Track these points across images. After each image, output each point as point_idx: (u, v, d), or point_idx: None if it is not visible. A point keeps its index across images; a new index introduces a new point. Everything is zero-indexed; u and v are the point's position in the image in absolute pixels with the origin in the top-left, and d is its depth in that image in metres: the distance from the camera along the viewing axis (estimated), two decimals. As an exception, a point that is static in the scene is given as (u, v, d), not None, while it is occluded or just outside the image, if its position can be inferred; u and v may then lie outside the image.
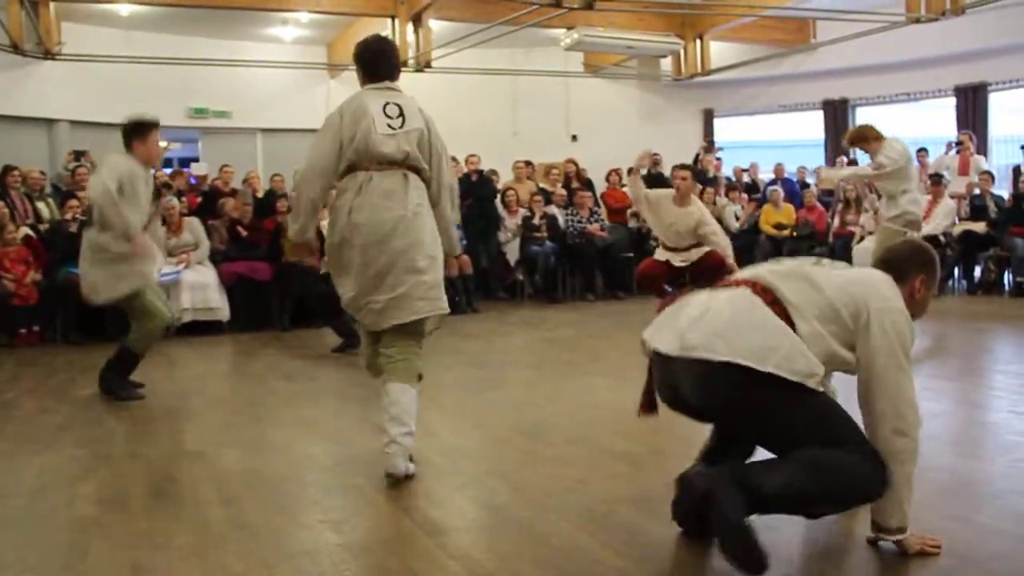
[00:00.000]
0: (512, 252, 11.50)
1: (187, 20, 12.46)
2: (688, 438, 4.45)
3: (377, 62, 4.19)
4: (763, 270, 2.92)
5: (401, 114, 4.06)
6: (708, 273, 7.94)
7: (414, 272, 3.84)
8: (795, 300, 2.76)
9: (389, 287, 3.82)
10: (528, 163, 12.85)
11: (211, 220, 9.83)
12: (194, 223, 9.46)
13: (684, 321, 2.83)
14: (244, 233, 9.77)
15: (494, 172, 12.48)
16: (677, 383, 2.86)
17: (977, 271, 10.53)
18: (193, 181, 11.81)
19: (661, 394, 3.03)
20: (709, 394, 2.77)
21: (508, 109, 15.74)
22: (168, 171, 12.13)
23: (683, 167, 8.61)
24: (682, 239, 8.43)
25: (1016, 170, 11.94)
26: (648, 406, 3.17)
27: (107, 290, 5.77)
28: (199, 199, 10.66)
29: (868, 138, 6.97)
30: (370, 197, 3.84)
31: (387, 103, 4.04)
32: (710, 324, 2.74)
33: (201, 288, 8.96)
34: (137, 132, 5.82)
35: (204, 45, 13.26)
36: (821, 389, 2.72)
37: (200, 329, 8.86)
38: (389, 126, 3.97)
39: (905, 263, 2.98)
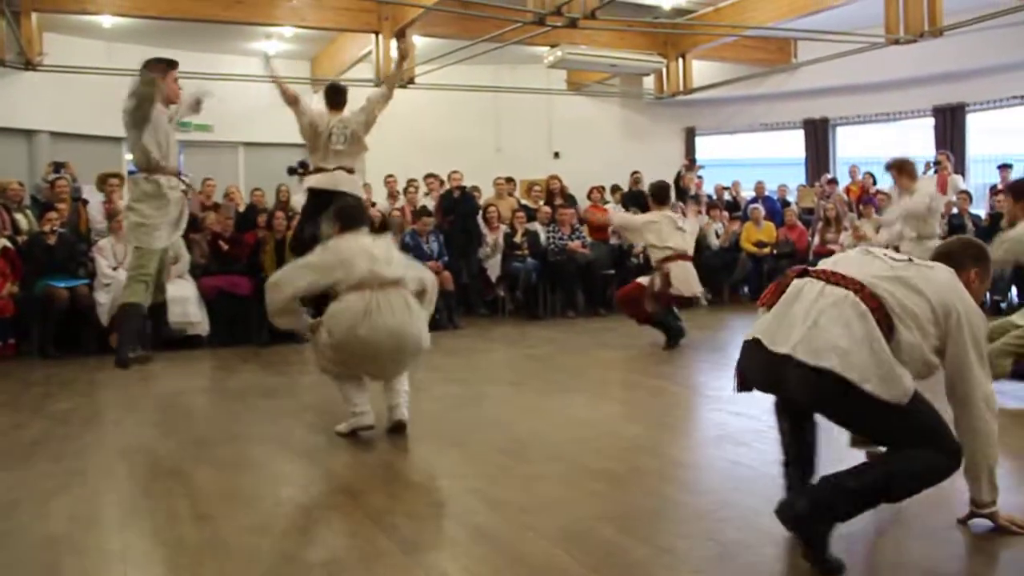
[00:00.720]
0: (493, 268, 11.49)
1: (170, 33, 12.41)
2: (668, 456, 4.47)
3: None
4: (869, 273, 3.05)
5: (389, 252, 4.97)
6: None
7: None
8: (899, 309, 2.96)
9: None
10: (509, 179, 12.88)
11: (192, 234, 9.77)
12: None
13: (797, 325, 3.00)
14: (225, 247, 9.74)
15: (476, 188, 12.50)
16: (783, 380, 3.05)
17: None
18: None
19: (757, 381, 3.27)
20: (817, 396, 2.99)
21: (491, 125, 15.77)
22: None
23: None
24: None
25: (993, 189, 12.06)
26: (743, 385, 3.42)
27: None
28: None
29: (908, 173, 7.04)
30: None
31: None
32: (822, 336, 2.92)
33: (181, 302, 8.89)
34: (156, 69, 5.93)
35: (187, 58, 13.08)
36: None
37: (179, 344, 8.81)
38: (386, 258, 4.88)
39: (962, 257, 3.23)
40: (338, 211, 5.13)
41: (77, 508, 3.79)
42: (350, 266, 4.76)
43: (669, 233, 8.36)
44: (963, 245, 3.34)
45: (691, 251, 8.59)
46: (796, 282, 3.16)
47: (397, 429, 4.95)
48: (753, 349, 3.17)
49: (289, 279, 4.93)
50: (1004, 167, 12.52)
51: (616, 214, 9.68)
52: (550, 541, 3.20)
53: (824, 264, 3.22)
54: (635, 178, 13.51)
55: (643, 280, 8.48)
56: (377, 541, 3.28)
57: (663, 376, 6.95)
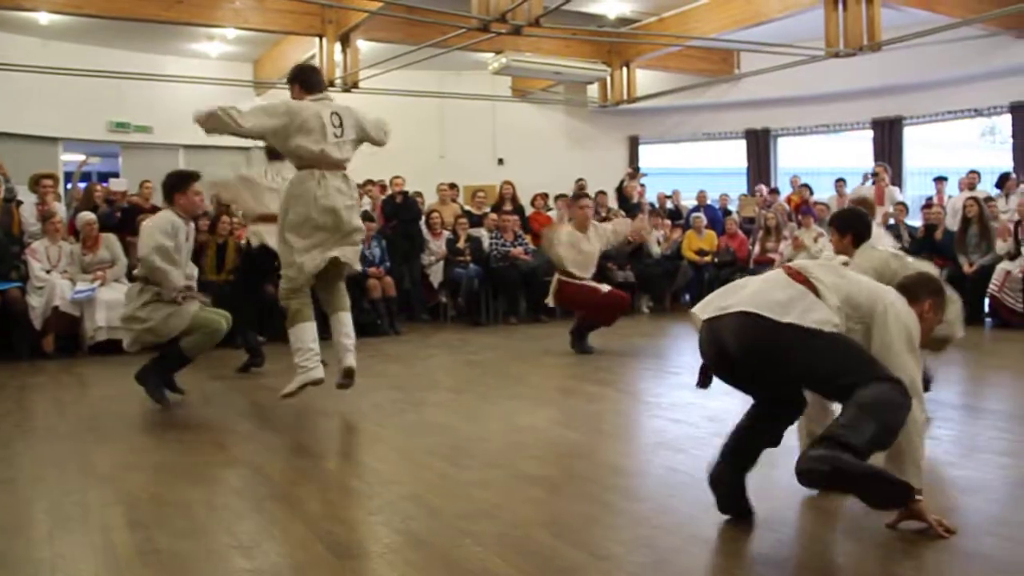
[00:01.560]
0: (436, 274, 11.48)
1: (110, 32, 12.24)
2: (606, 463, 4.49)
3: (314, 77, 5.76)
4: (802, 262, 3.43)
5: (341, 124, 5.58)
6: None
7: (356, 243, 5.77)
8: (823, 285, 3.22)
9: (345, 244, 5.61)
10: (453, 185, 12.87)
11: (129, 237, 9.62)
12: (111, 239, 9.27)
13: (723, 293, 3.45)
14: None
15: (419, 194, 12.48)
16: (722, 340, 3.30)
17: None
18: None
19: (709, 358, 3.48)
20: (746, 338, 3.21)
21: (435, 131, 15.78)
22: (83, 184, 11.85)
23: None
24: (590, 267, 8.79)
25: (927, 201, 12.31)
26: (703, 381, 3.66)
27: (169, 329, 6.03)
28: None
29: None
30: (329, 190, 5.46)
31: (332, 112, 5.53)
32: (745, 290, 3.33)
33: (117, 306, 8.69)
34: (179, 185, 5.97)
35: (127, 58, 13.04)
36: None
37: (115, 348, 8.63)
38: (335, 135, 5.48)
39: (917, 287, 3.45)
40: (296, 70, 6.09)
41: (4, 518, 3.71)
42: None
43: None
44: (921, 279, 3.55)
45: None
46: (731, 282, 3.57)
47: (348, 375, 5.50)
48: (702, 330, 3.46)
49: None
50: (939, 179, 12.80)
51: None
52: (486, 548, 3.20)
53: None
54: (579, 185, 13.57)
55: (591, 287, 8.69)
56: (312, 547, 3.25)
57: (603, 383, 6.99)
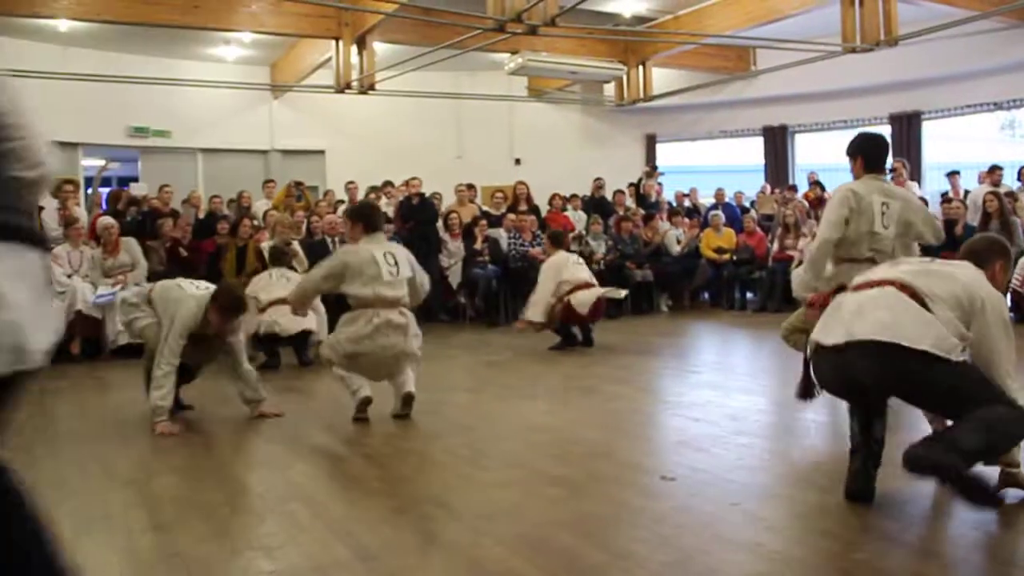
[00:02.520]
0: (454, 275, 11.48)
1: (128, 37, 12.30)
2: (626, 462, 4.48)
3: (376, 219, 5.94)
4: (899, 271, 3.51)
5: (396, 262, 5.60)
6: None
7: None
8: (929, 292, 3.36)
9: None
10: (471, 186, 12.87)
11: (149, 241, 9.69)
12: (131, 243, 9.32)
13: (847, 317, 3.44)
14: (185, 254, 9.65)
15: (436, 195, 12.48)
16: (850, 367, 3.42)
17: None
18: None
19: (827, 383, 3.66)
20: (882, 369, 3.34)
21: (452, 132, 15.79)
22: (105, 190, 11.93)
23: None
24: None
25: (944, 196, 12.22)
26: (805, 393, 4.09)
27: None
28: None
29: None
30: (381, 327, 5.50)
31: (385, 252, 5.62)
32: (868, 319, 3.36)
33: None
34: (223, 308, 5.56)
35: (145, 63, 13.11)
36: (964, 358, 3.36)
37: (137, 352, 8.67)
38: (389, 272, 5.52)
39: (987, 252, 3.65)
40: (362, 210, 6.26)
41: (29, 519, 3.73)
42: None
43: (569, 270, 8.86)
44: (988, 242, 3.79)
45: (591, 278, 9.13)
46: (836, 298, 3.68)
47: (407, 401, 5.60)
48: (818, 355, 3.58)
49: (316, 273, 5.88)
50: (952, 174, 12.73)
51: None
52: (507, 548, 3.20)
53: (858, 279, 3.67)
54: (597, 184, 13.57)
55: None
56: (333, 549, 3.26)
57: (622, 381, 6.97)
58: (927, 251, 10.38)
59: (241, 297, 5.76)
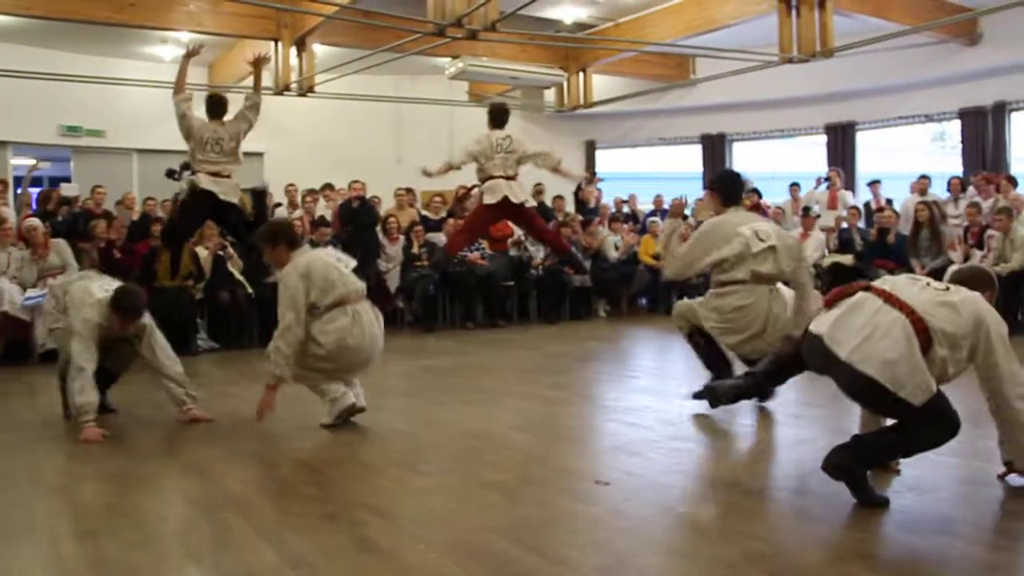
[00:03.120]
0: (392, 279, 11.43)
1: (60, 34, 12.05)
2: (561, 467, 4.49)
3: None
4: (921, 300, 3.62)
5: (339, 258, 5.67)
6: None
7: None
8: (940, 332, 3.53)
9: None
10: (410, 190, 12.82)
11: (80, 243, 9.50)
12: (60, 244, 9.12)
13: (855, 333, 3.59)
14: (118, 256, 9.47)
15: (376, 198, 12.42)
16: (835, 374, 3.66)
17: (844, 303, 10.92)
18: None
19: (812, 364, 3.83)
20: (859, 393, 3.66)
21: (392, 136, 15.74)
22: (36, 191, 11.67)
23: None
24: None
25: (866, 205, 12.49)
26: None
27: None
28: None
29: None
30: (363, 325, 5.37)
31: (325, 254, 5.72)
32: (874, 347, 3.51)
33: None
34: (121, 310, 5.44)
35: (78, 61, 12.85)
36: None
37: (66, 355, 8.52)
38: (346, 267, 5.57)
39: (976, 283, 3.83)
40: (279, 230, 5.66)
41: (-51, 527, 3.64)
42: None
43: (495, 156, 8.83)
44: (976, 272, 4.08)
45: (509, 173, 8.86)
46: (860, 295, 3.73)
47: (357, 412, 5.48)
48: (816, 341, 3.71)
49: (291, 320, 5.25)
50: (873, 183, 13.02)
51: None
52: (441, 554, 3.19)
53: (883, 285, 3.76)
54: (537, 190, 13.59)
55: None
56: (264, 556, 3.22)
57: (560, 387, 6.99)
58: (858, 257, 10.55)
59: (139, 300, 5.54)
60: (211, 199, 7.99)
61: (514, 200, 8.62)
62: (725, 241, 5.57)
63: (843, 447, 3.67)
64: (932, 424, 3.56)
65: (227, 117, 8.30)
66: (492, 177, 8.61)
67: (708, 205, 6.01)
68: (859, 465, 3.63)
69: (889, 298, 3.63)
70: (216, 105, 8.31)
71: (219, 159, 8.03)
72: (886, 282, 3.81)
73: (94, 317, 5.38)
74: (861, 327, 3.58)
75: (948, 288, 3.71)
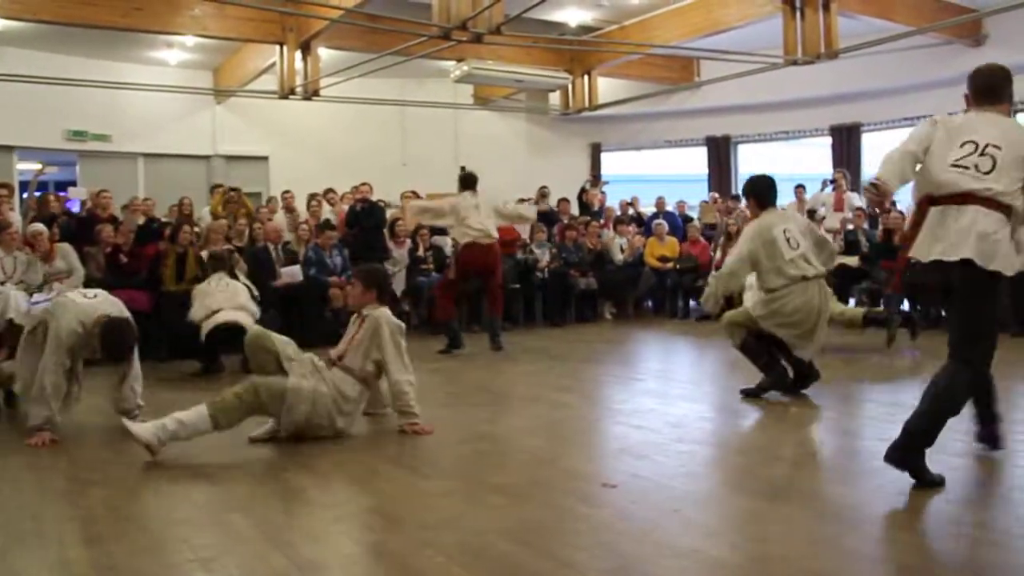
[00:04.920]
0: (398, 282, 11.42)
1: (66, 39, 12.08)
2: (568, 469, 4.49)
3: None
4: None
5: None
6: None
7: None
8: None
9: None
10: (415, 193, 12.82)
11: (87, 247, 9.50)
12: (67, 249, 9.10)
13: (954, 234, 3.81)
14: (125, 260, 9.48)
15: (382, 201, 12.42)
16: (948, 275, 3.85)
17: (851, 303, 10.88)
18: (72, 205, 11.51)
19: (924, 278, 4.05)
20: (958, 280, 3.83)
21: (397, 139, 15.76)
22: (40, 194, 11.68)
23: None
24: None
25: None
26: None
27: None
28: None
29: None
30: None
31: None
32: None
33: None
34: (105, 348, 5.42)
35: (84, 65, 12.90)
36: None
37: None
38: None
39: (1004, 85, 4.14)
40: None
41: (-43, 532, 3.64)
42: None
43: (472, 216, 8.95)
44: (999, 71, 4.14)
45: (494, 233, 9.12)
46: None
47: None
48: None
49: None
50: (827, 182, 13.08)
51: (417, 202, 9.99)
52: (448, 557, 3.19)
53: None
54: (541, 192, 13.60)
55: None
56: (272, 560, 3.22)
57: (566, 389, 6.99)
58: (864, 259, 10.59)
59: (124, 341, 5.44)
60: None
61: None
62: (765, 246, 6.00)
63: (897, 444, 3.83)
64: (974, 344, 3.91)
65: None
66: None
67: (749, 212, 6.46)
68: (914, 455, 3.80)
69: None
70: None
71: None
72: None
73: (70, 331, 5.32)
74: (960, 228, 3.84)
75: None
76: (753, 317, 6.14)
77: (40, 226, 9.16)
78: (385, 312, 5.36)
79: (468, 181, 9.25)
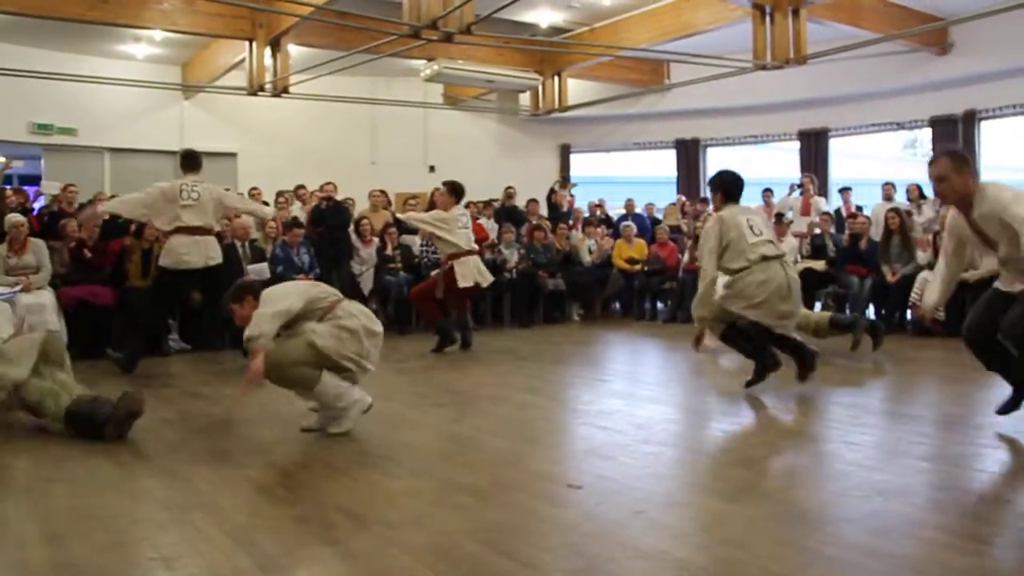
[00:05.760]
0: (366, 282, 11.39)
1: (31, 30, 11.94)
2: (534, 470, 4.49)
3: None
4: None
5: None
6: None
7: None
8: None
9: None
10: (383, 192, 12.79)
11: (52, 241, 9.39)
12: (39, 245, 8.93)
13: None
14: (89, 255, 9.38)
15: (350, 200, 12.38)
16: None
17: (817, 307, 10.97)
18: (40, 201, 11.38)
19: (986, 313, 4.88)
20: None
21: (366, 137, 15.73)
22: (8, 186, 11.53)
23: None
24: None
25: (838, 213, 12.59)
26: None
27: None
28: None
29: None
30: None
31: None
32: None
33: (38, 310, 8.44)
34: None
35: (50, 58, 12.75)
36: None
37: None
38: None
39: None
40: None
41: (-86, 529, 3.59)
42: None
43: (458, 230, 8.94)
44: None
45: (474, 246, 9.24)
46: None
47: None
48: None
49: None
50: (844, 190, 13.14)
51: (408, 213, 9.88)
52: (413, 557, 3.18)
53: None
54: (508, 193, 13.60)
55: (433, 278, 9.17)
56: (236, 558, 3.20)
57: (533, 390, 7.00)
58: (831, 263, 10.68)
59: None
60: None
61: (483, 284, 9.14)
62: (728, 231, 6.17)
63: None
64: None
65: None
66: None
67: (713, 203, 6.58)
68: None
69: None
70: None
71: None
72: None
73: None
74: None
75: None
76: (724, 308, 6.27)
77: (20, 217, 9.04)
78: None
79: (459, 192, 9.11)
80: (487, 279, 9.19)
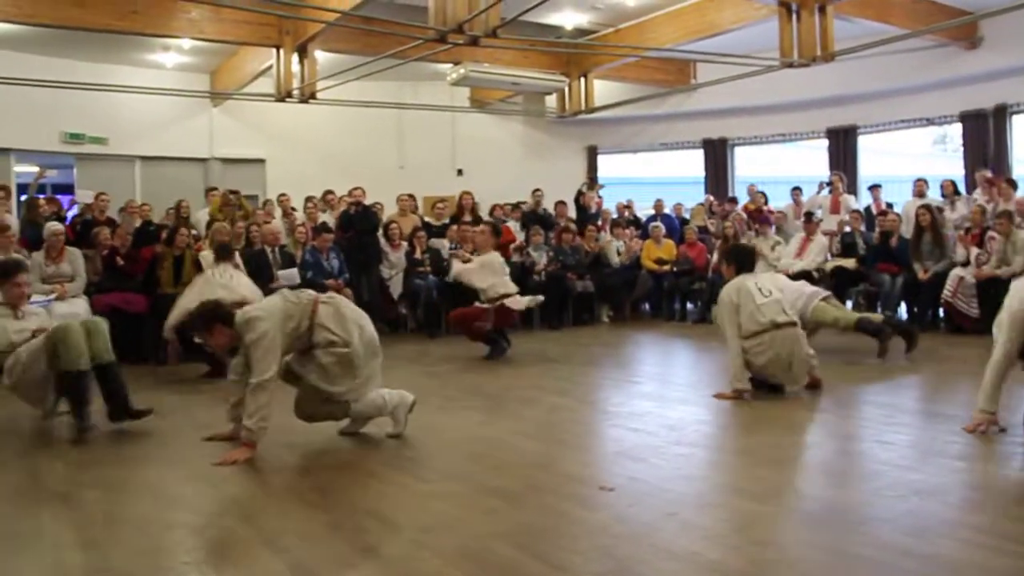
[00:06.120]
0: (395, 286, 11.42)
1: (62, 41, 12.05)
2: (565, 472, 4.49)
3: None
4: None
5: None
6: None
7: None
8: None
9: None
10: (411, 196, 12.80)
11: (85, 250, 9.49)
12: (75, 254, 9.01)
13: None
14: (122, 262, 9.47)
15: (378, 204, 12.41)
16: None
17: (848, 305, 10.89)
18: (74, 210, 11.51)
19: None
20: None
21: (393, 142, 15.77)
22: (41, 195, 11.66)
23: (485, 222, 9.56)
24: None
25: (868, 211, 12.47)
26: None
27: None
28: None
29: None
30: None
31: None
32: None
33: (73, 318, 8.53)
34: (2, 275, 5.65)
35: (80, 68, 12.90)
36: None
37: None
38: None
39: None
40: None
41: (-47, 536, 3.64)
42: None
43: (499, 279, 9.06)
44: None
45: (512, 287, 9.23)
46: None
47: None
48: None
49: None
50: (874, 187, 13.01)
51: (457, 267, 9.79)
52: (445, 560, 3.19)
53: None
54: (536, 196, 13.58)
55: (480, 307, 9.04)
56: (268, 564, 3.22)
57: (563, 392, 6.99)
58: (861, 261, 10.59)
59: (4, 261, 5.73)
60: None
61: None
62: (740, 294, 6.40)
63: None
64: None
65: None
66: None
67: (726, 274, 6.85)
68: None
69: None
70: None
71: None
72: None
73: None
74: None
75: None
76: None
77: (59, 225, 9.14)
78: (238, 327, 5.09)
79: (499, 232, 9.44)
80: (537, 300, 9.39)
